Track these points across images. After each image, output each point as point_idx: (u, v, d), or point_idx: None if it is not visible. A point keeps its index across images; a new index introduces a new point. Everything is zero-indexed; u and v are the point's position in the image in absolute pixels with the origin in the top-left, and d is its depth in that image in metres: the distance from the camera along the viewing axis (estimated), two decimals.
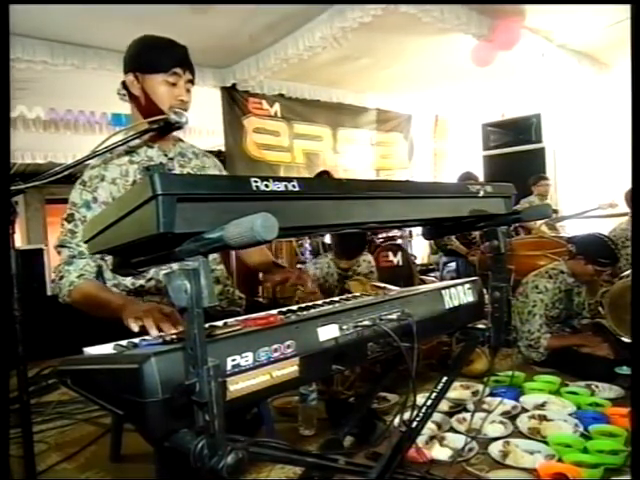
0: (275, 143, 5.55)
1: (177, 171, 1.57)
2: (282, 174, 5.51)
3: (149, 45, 1.48)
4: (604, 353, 2.58)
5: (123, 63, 1.51)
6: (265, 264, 1.69)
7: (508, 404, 2.13)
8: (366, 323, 0.91)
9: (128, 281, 1.50)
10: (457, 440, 1.83)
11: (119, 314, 1.15)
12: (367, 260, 3.26)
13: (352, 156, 6.29)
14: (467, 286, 1.20)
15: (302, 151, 5.81)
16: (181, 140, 1.67)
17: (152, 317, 1.07)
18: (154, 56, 1.44)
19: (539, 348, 2.65)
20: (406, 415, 1.05)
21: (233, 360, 0.70)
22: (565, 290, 2.75)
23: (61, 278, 1.41)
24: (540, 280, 2.73)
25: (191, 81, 1.50)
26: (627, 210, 3.99)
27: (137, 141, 1.50)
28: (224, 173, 1.76)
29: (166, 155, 1.57)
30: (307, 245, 4.49)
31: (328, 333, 0.85)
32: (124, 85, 1.50)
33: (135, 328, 1.06)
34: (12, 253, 1.34)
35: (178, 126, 1.40)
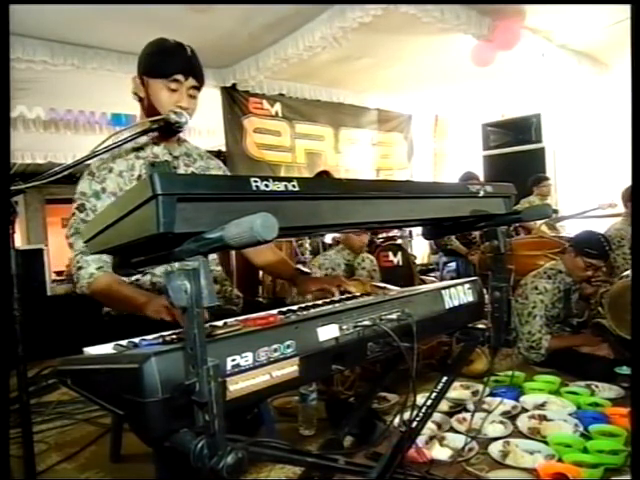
0: (276, 143, 5.53)
1: (182, 170, 1.58)
2: (283, 174, 5.49)
3: (156, 49, 1.49)
4: (604, 353, 2.58)
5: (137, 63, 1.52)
6: (283, 269, 1.64)
7: (508, 404, 2.13)
8: (366, 323, 0.91)
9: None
10: (457, 440, 1.83)
11: (143, 311, 1.20)
12: (370, 258, 3.37)
13: (354, 156, 6.29)
14: (467, 286, 1.20)
15: (304, 151, 5.80)
16: (186, 141, 1.68)
17: (171, 312, 1.11)
18: (157, 61, 1.45)
19: (540, 349, 2.65)
20: (406, 415, 1.05)
21: (233, 360, 0.70)
22: (564, 290, 2.75)
23: (79, 269, 1.42)
24: (539, 281, 2.73)
25: (196, 87, 1.49)
26: (625, 210, 3.98)
27: (144, 139, 1.52)
28: (228, 174, 1.77)
29: (171, 154, 1.59)
30: (307, 245, 4.49)
31: (328, 333, 0.85)
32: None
33: (162, 316, 1.14)
34: (12, 253, 1.34)
35: (178, 126, 1.40)
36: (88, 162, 1.43)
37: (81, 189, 1.48)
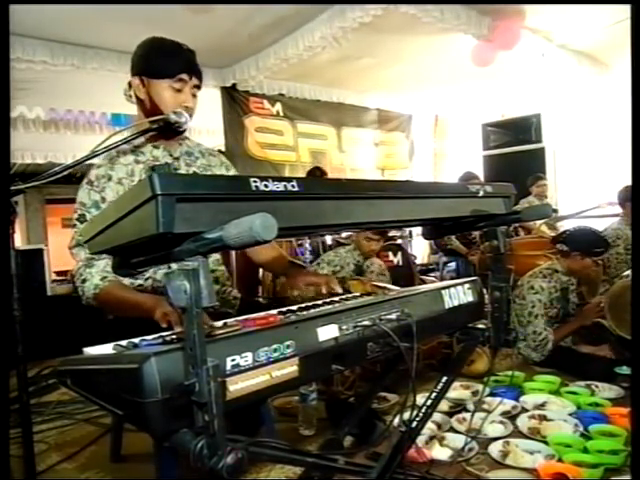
0: (279, 142, 5.53)
1: (183, 170, 1.57)
2: (287, 173, 5.50)
3: (156, 49, 1.47)
4: (604, 353, 2.58)
5: (130, 64, 1.50)
6: (279, 263, 1.63)
7: (508, 404, 2.13)
8: (366, 323, 0.90)
9: (127, 281, 1.51)
10: (457, 440, 1.83)
11: (151, 314, 1.19)
12: (379, 263, 3.39)
13: (358, 155, 6.30)
14: (467, 286, 1.20)
15: (308, 150, 5.80)
16: (187, 139, 1.66)
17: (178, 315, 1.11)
18: (160, 61, 1.43)
19: (547, 346, 2.63)
20: (406, 415, 1.05)
21: (233, 360, 0.70)
22: (561, 289, 2.74)
23: (84, 281, 1.42)
24: (535, 280, 2.72)
25: (197, 86, 1.48)
26: (622, 210, 3.97)
27: (141, 140, 1.51)
28: (232, 170, 1.74)
29: (172, 155, 1.58)
30: (307, 245, 4.49)
31: (328, 333, 0.85)
32: (130, 86, 1.49)
33: (163, 325, 1.12)
34: (12, 253, 1.34)
35: (178, 126, 1.40)
36: (88, 162, 1.43)
37: (80, 199, 1.47)
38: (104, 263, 1.43)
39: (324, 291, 1.28)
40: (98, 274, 1.42)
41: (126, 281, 1.51)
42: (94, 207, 1.46)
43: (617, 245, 3.61)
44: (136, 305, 1.31)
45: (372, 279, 3.16)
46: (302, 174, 5.36)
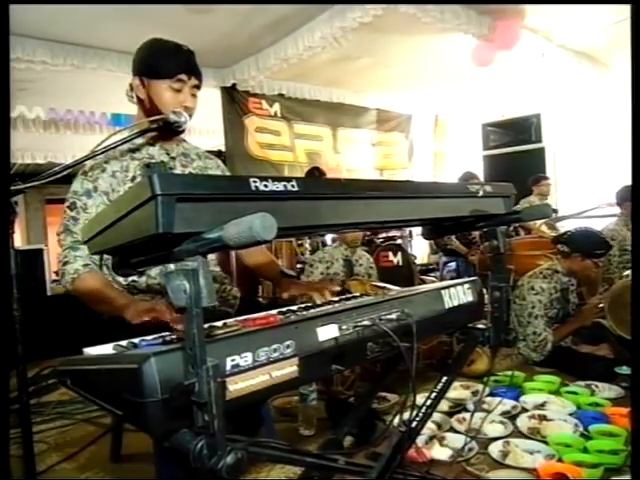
0: (277, 142, 5.54)
1: (179, 171, 1.57)
2: (286, 173, 5.52)
3: (155, 50, 1.48)
4: (604, 353, 2.58)
5: (132, 65, 1.51)
6: (269, 269, 1.64)
7: (508, 404, 2.13)
8: (365, 323, 0.90)
9: (121, 278, 1.51)
10: (457, 440, 1.83)
11: (121, 313, 1.16)
12: (367, 257, 3.38)
13: (354, 156, 6.29)
14: (467, 286, 1.20)
15: (304, 151, 5.81)
16: (185, 141, 1.67)
17: (156, 313, 1.09)
18: (159, 62, 1.44)
19: (546, 346, 2.63)
20: (406, 415, 1.05)
21: (232, 360, 0.70)
22: (561, 289, 2.75)
23: (65, 264, 1.40)
24: (535, 281, 2.72)
25: (197, 86, 1.49)
26: (620, 210, 3.96)
27: (140, 140, 1.51)
28: (227, 175, 1.76)
29: (168, 154, 1.58)
30: (307, 245, 4.49)
31: (328, 333, 0.85)
32: (132, 87, 1.50)
33: (144, 318, 1.09)
34: (12, 253, 1.34)
35: (177, 126, 1.40)
36: (87, 162, 1.43)
37: (73, 188, 1.48)
38: None
39: (318, 301, 1.23)
40: (82, 259, 1.39)
41: (120, 278, 1.51)
42: (85, 195, 1.45)
43: (610, 246, 3.60)
44: (108, 301, 1.29)
45: (361, 272, 3.18)
46: (300, 174, 5.36)
